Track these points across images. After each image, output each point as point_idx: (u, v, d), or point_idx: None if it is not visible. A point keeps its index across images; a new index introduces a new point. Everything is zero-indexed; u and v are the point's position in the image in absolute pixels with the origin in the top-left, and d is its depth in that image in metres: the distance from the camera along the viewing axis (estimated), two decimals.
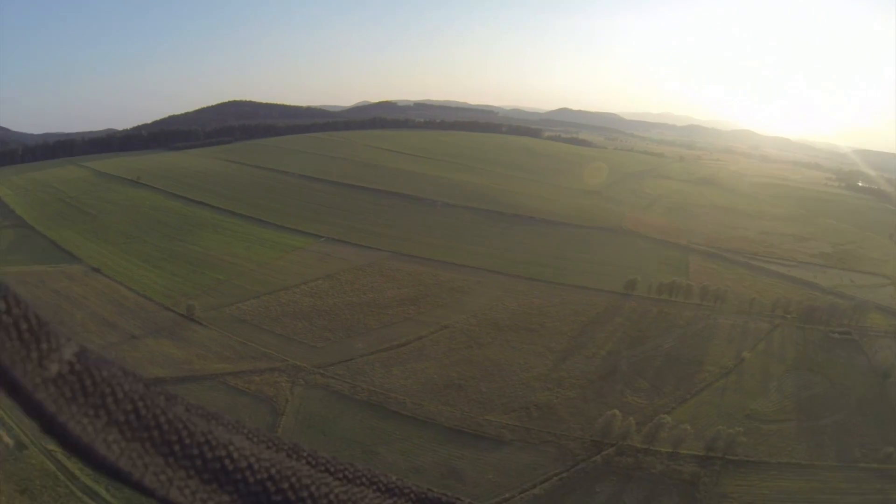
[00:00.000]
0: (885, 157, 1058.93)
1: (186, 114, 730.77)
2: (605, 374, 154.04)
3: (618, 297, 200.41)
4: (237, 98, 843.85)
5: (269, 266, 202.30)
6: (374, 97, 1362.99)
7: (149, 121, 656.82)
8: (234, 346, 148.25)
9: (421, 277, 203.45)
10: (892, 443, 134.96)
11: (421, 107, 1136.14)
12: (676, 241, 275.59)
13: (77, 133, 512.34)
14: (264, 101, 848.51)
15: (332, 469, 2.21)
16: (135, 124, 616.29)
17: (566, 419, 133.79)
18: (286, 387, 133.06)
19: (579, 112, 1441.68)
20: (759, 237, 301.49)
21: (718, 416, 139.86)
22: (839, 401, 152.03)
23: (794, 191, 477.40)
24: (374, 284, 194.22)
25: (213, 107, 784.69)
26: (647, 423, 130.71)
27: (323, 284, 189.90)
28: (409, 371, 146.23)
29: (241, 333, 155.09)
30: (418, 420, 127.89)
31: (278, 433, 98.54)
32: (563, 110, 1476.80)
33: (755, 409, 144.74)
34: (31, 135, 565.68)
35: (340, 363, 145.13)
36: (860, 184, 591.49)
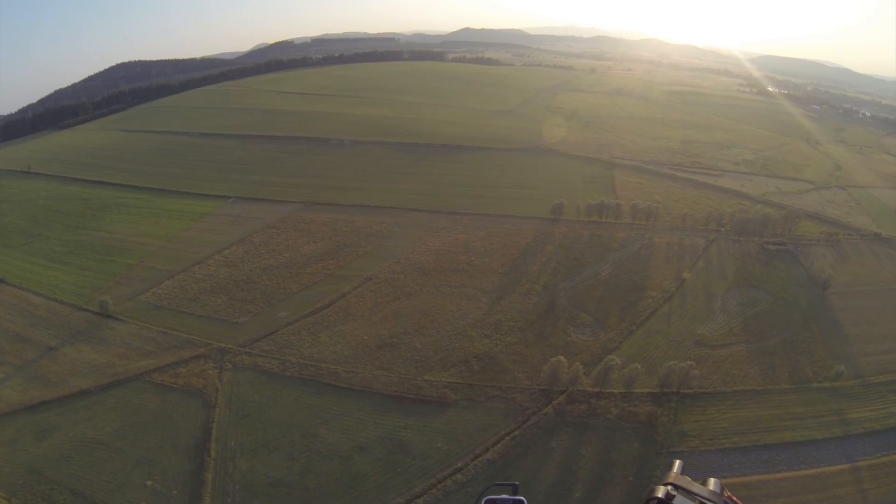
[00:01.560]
0: (789, 63, 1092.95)
1: (73, 85, 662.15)
2: (543, 311, 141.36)
3: (546, 223, 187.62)
4: (126, 60, 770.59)
5: (180, 239, 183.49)
6: (272, 38, 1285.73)
7: (34, 100, 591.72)
8: (156, 338, 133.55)
9: (337, 226, 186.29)
10: (841, 357, 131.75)
11: (319, 42, 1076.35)
12: (598, 157, 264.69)
13: None
14: (155, 58, 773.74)
15: None
16: (20, 106, 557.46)
17: (510, 368, 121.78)
18: (214, 374, 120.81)
19: (483, 31, 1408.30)
20: (681, 147, 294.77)
21: (668, 346, 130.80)
22: (784, 317, 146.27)
23: (708, 98, 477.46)
24: (290, 242, 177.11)
25: (101, 73, 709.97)
26: (595, 363, 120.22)
27: (237, 250, 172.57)
28: (338, 335, 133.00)
29: (160, 322, 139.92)
30: (355, 390, 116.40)
31: (213, 430, 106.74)
32: (466, 30, 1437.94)
33: (703, 333, 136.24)
34: None
35: (266, 337, 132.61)
36: (770, 88, 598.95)
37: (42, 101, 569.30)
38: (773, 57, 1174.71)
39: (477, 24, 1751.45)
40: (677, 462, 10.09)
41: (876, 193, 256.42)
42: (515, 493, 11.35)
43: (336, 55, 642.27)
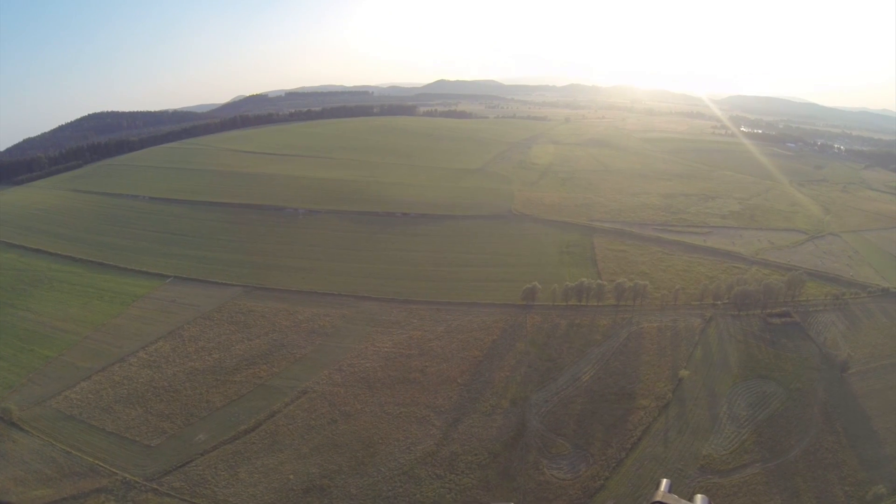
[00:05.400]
0: (757, 101, 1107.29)
1: (43, 135, 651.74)
2: (510, 438, 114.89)
3: (516, 311, 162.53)
4: (99, 110, 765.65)
5: (107, 328, 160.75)
6: (251, 91, 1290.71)
7: (2, 148, 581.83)
8: (58, 459, 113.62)
9: (276, 319, 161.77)
10: (873, 465, 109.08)
11: (293, 96, 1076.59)
12: (576, 221, 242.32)
13: None
14: (131, 109, 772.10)
15: None
16: None
17: None
18: None
19: (457, 82, 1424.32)
20: (664, 202, 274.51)
21: (666, 476, 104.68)
22: (802, 416, 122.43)
23: (684, 143, 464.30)
24: (222, 338, 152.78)
25: (71, 123, 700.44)
26: None
27: (163, 347, 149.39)
28: (260, 471, 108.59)
29: (66, 437, 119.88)
30: None
31: None
32: (441, 82, 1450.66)
33: (709, 454, 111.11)
34: None
35: (178, 469, 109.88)
36: (743, 129, 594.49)
37: (9, 151, 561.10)
38: (740, 96, 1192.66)
39: (452, 76, 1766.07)
40: (664, 481, 10.05)
41: (872, 238, 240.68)
42: None
43: (304, 111, 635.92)
